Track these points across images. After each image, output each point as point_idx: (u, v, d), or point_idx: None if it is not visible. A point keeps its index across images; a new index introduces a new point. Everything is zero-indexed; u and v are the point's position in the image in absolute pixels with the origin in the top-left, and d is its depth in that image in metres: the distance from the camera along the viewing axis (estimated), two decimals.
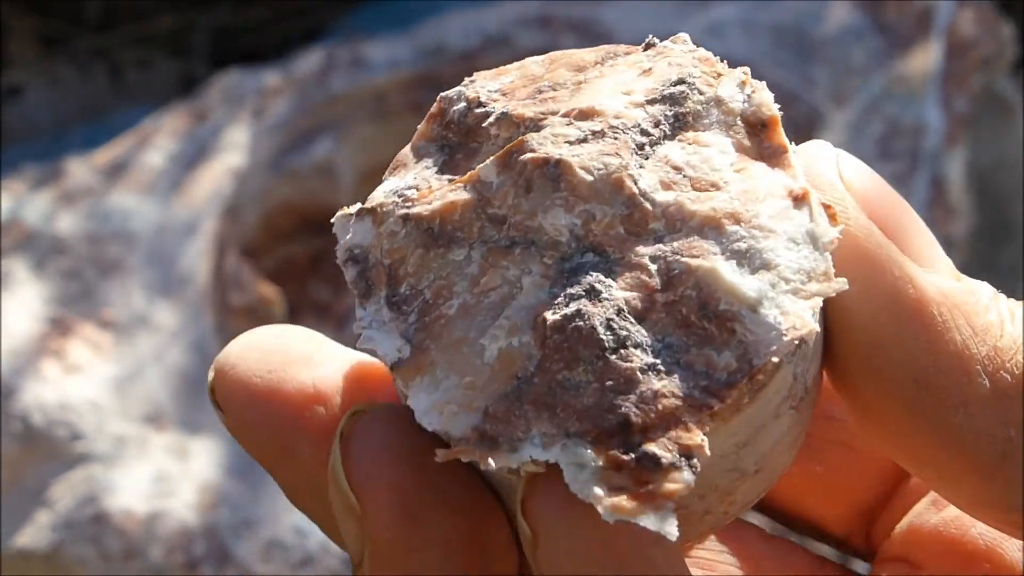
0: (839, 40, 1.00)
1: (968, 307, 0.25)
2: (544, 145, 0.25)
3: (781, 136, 0.25)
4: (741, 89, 0.25)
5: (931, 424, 0.25)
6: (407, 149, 0.27)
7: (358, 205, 0.26)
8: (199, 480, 0.80)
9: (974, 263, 1.03)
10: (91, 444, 0.81)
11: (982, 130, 1.03)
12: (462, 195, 0.25)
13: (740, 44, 1.00)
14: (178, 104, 1.02)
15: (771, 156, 0.25)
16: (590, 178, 0.24)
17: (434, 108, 0.27)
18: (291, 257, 1.01)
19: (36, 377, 0.83)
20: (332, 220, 0.27)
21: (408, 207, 0.25)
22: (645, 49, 0.27)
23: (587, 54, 0.27)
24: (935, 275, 0.25)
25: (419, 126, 0.27)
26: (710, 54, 0.26)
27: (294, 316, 0.98)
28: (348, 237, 0.26)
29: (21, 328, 0.86)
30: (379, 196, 0.26)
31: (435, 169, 0.26)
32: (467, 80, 0.27)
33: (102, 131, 1.21)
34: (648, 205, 0.24)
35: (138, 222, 0.92)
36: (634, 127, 0.25)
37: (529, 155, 0.24)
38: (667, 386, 0.23)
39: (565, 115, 0.25)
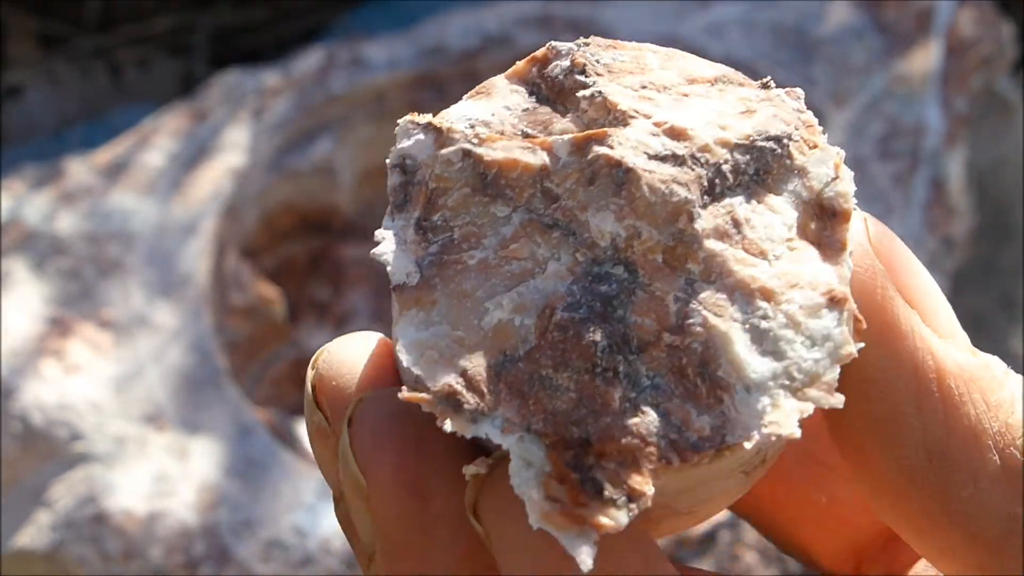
0: (839, 40, 1.00)
1: (984, 382, 0.25)
2: (623, 147, 0.24)
3: (846, 233, 0.24)
4: (830, 170, 0.25)
5: (940, 496, 0.25)
6: (496, 79, 0.26)
7: (429, 117, 0.26)
8: (199, 480, 0.80)
9: (974, 263, 1.03)
10: (91, 444, 0.81)
11: (982, 130, 1.03)
12: (528, 157, 0.25)
13: (740, 44, 1.00)
14: (178, 104, 1.02)
15: (828, 247, 0.24)
16: (652, 198, 0.24)
17: (540, 52, 0.26)
18: (291, 257, 1.01)
19: (36, 377, 0.83)
20: (399, 121, 0.26)
21: (474, 144, 0.25)
22: (761, 87, 0.26)
23: (706, 68, 0.26)
24: (953, 347, 0.26)
25: (519, 62, 0.26)
26: (815, 121, 0.25)
27: (294, 316, 0.98)
28: (407, 144, 0.26)
29: (21, 328, 0.86)
30: (452, 117, 0.26)
31: (516, 112, 0.26)
32: (582, 40, 0.26)
33: (102, 131, 1.21)
34: (695, 246, 0.24)
35: (138, 222, 0.92)
36: (715, 166, 0.24)
37: (605, 151, 0.24)
38: (638, 425, 0.23)
39: (657, 124, 0.25)
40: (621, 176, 0.24)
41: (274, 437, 0.83)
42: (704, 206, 0.24)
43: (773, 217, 0.24)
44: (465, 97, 0.26)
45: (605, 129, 0.25)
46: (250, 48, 1.36)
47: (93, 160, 0.97)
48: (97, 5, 1.36)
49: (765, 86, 0.26)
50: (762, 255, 0.24)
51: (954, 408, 0.25)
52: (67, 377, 0.84)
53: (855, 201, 0.25)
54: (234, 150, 0.96)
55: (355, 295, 1.00)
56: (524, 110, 0.26)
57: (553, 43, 0.26)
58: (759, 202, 0.24)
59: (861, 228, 0.25)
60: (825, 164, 0.25)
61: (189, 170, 0.95)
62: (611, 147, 0.24)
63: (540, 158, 0.25)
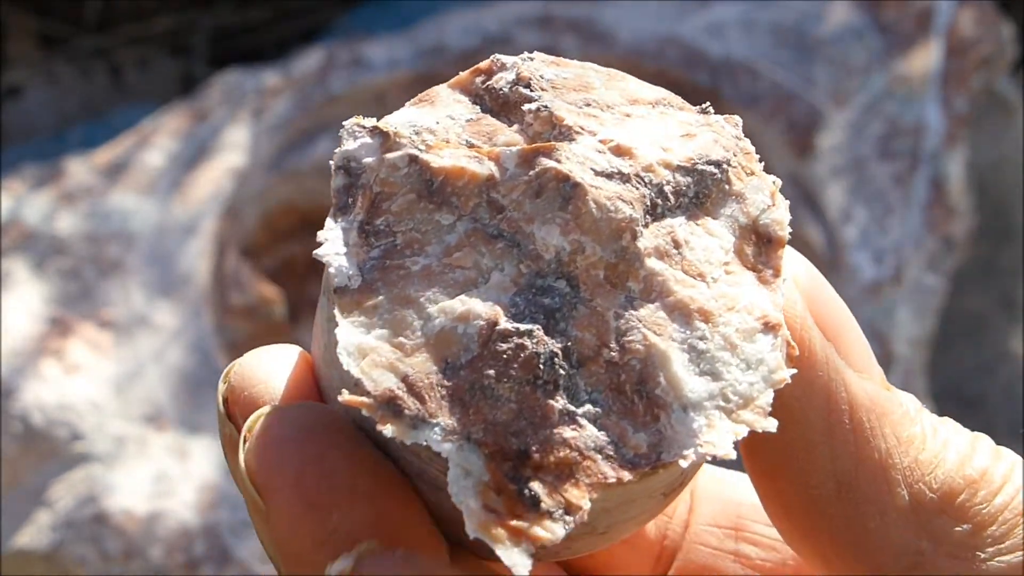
0: (839, 40, 1.00)
1: (895, 417, 0.26)
2: (571, 161, 0.24)
3: (781, 260, 0.25)
4: (767, 197, 0.25)
5: (847, 528, 0.25)
6: (440, 88, 0.26)
7: (374, 120, 0.25)
8: (199, 480, 0.80)
9: (974, 263, 1.03)
10: (91, 444, 0.81)
11: (982, 130, 1.03)
12: (475, 167, 0.25)
13: (740, 44, 1.00)
14: (178, 104, 1.02)
15: (763, 272, 0.25)
16: (598, 214, 0.24)
17: (484, 64, 0.26)
18: (291, 257, 1.01)
19: (36, 377, 0.83)
20: (344, 123, 0.26)
21: (421, 150, 0.25)
22: (700, 112, 0.26)
23: (647, 90, 0.26)
24: (868, 381, 0.26)
25: (462, 73, 0.26)
26: (752, 148, 0.26)
27: (294, 316, 0.98)
28: (352, 146, 0.25)
29: (21, 328, 0.86)
30: (397, 122, 0.25)
31: (460, 122, 0.26)
32: (526, 55, 0.26)
33: (102, 131, 1.21)
34: (637, 264, 0.24)
35: (138, 222, 0.92)
36: (657, 186, 0.25)
37: (553, 164, 0.24)
38: (576, 439, 0.23)
39: (603, 141, 0.25)
40: (568, 190, 0.24)
41: None
42: (646, 225, 0.24)
43: (711, 240, 0.25)
44: (408, 104, 0.26)
45: (554, 143, 0.25)
46: (250, 48, 1.36)
47: (93, 160, 0.97)
48: (97, 5, 1.36)
49: (704, 111, 0.26)
50: (700, 277, 0.24)
51: (864, 441, 0.25)
52: (67, 377, 0.84)
53: (790, 230, 0.25)
54: (234, 150, 0.96)
55: None
56: (468, 120, 0.26)
57: (497, 56, 0.26)
58: (698, 224, 0.25)
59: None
60: (762, 191, 0.25)
61: (189, 170, 0.95)
62: (559, 161, 0.24)
63: (487, 168, 0.25)
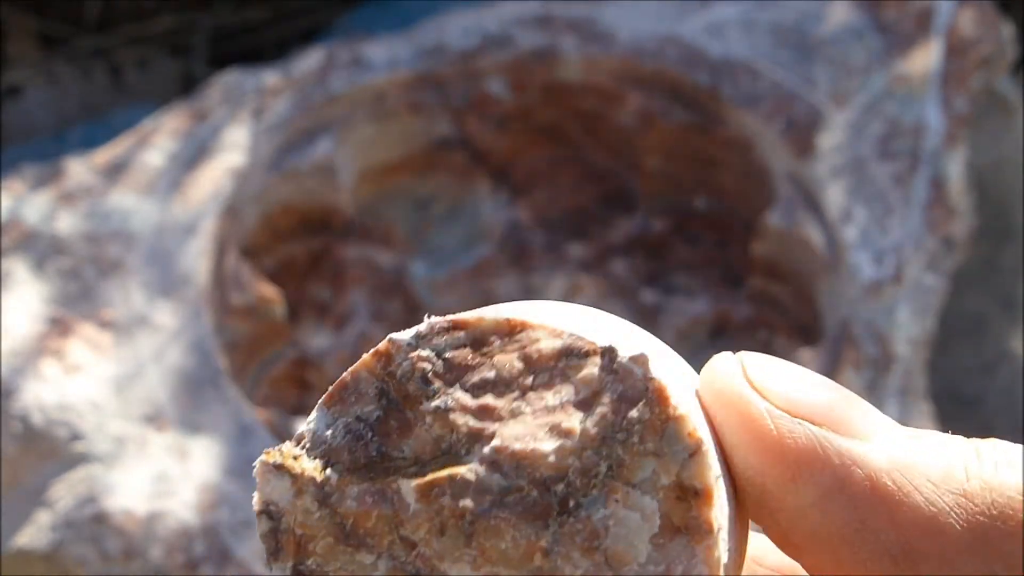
0: (839, 40, 1.00)
1: (919, 460, 0.25)
2: (467, 491, 0.24)
3: (711, 513, 0.24)
4: (686, 446, 0.24)
5: None
6: (349, 375, 0.26)
7: (282, 454, 0.26)
8: (199, 480, 0.80)
9: (974, 263, 1.03)
10: (91, 444, 0.81)
11: (982, 130, 1.03)
12: (380, 505, 0.25)
13: (740, 44, 1.00)
14: (178, 104, 1.02)
15: (695, 531, 0.24)
16: (502, 544, 0.24)
17: (382, 346, 0.26)
18: (291, 257, 1.01)
19: (36, 377, 0.83)
20: (254, 464, 0.26)
21: (328, 492, 0.25)
22: (602, 359, 0.25)
23: (551, 341, 0.25)
24: (877, 443, 0.25)
25: (366, 356, 0.26)
26: (666, 387, 0.24)
27: (294, 316, 0.98)
28: (268, 490, 0.25)
29: (21, 328, 0.86)
30: (309, 442, 0.26)
31: (369, 422, 0.25)
32: (421, 329, 0.26)
33: (102, 131, 1.21)
34: (560, 574, 0.24)
35: (138, 222, 0.92)
36: (562, 480, 0.24)
37: (448, 501, 0.24)
38: None
39: (497, 450, 0.24)
40: (468, 527, 0.24)
41: (274, 437, 0.83)
42: (561, 527, 0.24)
43: (631, 516, 0.24)
44: (320, 403, 0.26)
45: (449, 474, 0.24)
46: (250, 48, 1.36)
47: (93, 160, 0.97)
48: (97, 5, 1.36)
49: (611, 361, 0.25)
50: (625, 563, 0.24)
51: (898, 504, 0.24)
52: (67, 377, 0.84)
53: (716, 473, 0.24)
54: (234, 150, 0.96)
55: (355, 295, 1.00)
56: (376, 419, 0.25)
57: (393, 336, 0.26)
58: (616, 501, 0.24)
59: (739, 374, 0.25)
60: (680, 440, 0.24)
61: (189, 170, 0.95)
62: (455, 496, 0.24)
63: (391, 504, 0.25)
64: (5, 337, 0.85)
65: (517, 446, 0.24)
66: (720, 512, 0.24)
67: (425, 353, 0.25)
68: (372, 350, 0.26)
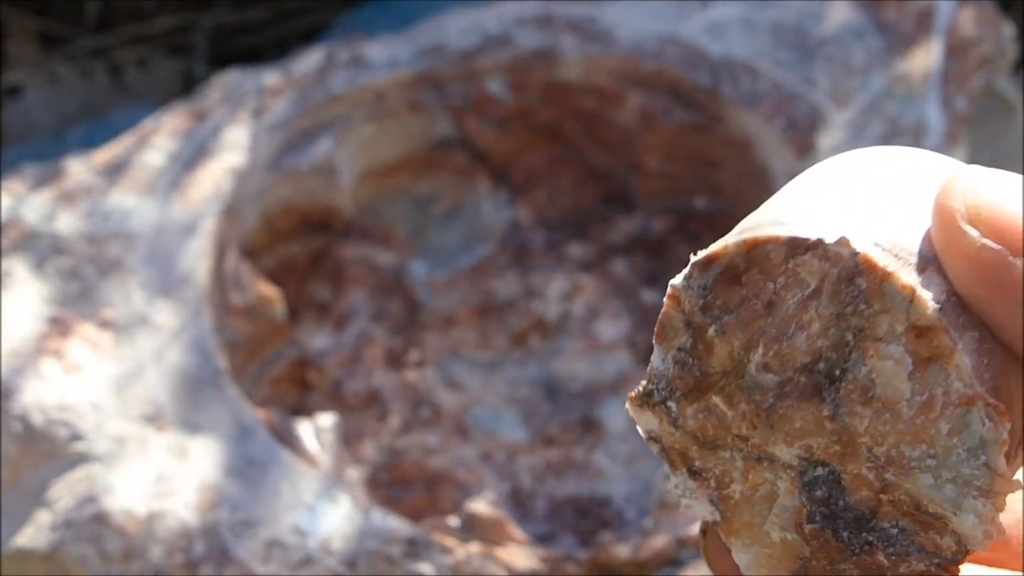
0: (839, 40, 1.00)
1: None
2: (754, 392, 0.29)
3: (944, 335, 0.27)
4: (905, 295, 0.27)
5: None
6: (664, 318, 0.30)
7: (640, 387, 0.31)
8: (199, 480, 0.80)
9: None
10: (91, 444, 0.81)
11: (982, 130, 1.03)
12: (709, 419, 0.30)
13: (740, 44, 1.00)
14: (178, 104, 1.02)
15: (940, 356, 0.27)
16: (797, 425, 0.29)
17: (670, 290, 0.30)
18: (291, 257, 1.01)
19: (36, 377, 0.83)
20: (626, 406, 0.31)
21: (672, 415, 0.30)
22: (818, 250, 0.29)
23: (774, 254, 0.29)
24: None
25: (665, 298, 0.30)
26: (871, 256, 0.28)
27: (294, 316, 0.98)
28: (642, 423, 0.31)
29: (21, 328, 0.86)
30: (656, 368, 0.30)
31: (685, 353, 0.30)
32: (688, 268, 0.30)
33: (102, 131, 1.21)
34: (852, 428, 0.28)
35: (138, 222, 0.92)
36: (820, 360, 0.28)
37: (744, 404, 0.29)
38: (910, 565, 0.28)
39: (764, 355, 0.29)
40: (766, 420, 0.29)
41: (274, 437, 0.83)
42: (837, 391, 0.28)
43: (886, 365, 0.28)
44: (654, 340, 0.31)
45: (734, 384, 0.30)
46: (250, 48, 1.36)
47: (93, 160, 0.97)
48: (97, 5, 1.36)
49: (824, 250, 0.29)
50: (895, 403, 0.28)
51: None
52: (67, 377, 0.84)
53: (936, 306, 0.27)
54: (234, 150, 0.96)
55: (355, 295, 1.00)
56: (690, 345, 0.30)
57: (672, 282, 0.30)
58: (872, 356, 0.28)
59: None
60: (897, 293, 0.27)
61: (189, 170, 0.95)
62: (747, 400, 0.30)
63: (715, 415, 0.30)
64: (5, 337, 0.85)
65: (776, 347, 0.29)
66: (954, 332, 0.27)
67: (694, 289, 0.29)
68: (667, 295, 0.30)
